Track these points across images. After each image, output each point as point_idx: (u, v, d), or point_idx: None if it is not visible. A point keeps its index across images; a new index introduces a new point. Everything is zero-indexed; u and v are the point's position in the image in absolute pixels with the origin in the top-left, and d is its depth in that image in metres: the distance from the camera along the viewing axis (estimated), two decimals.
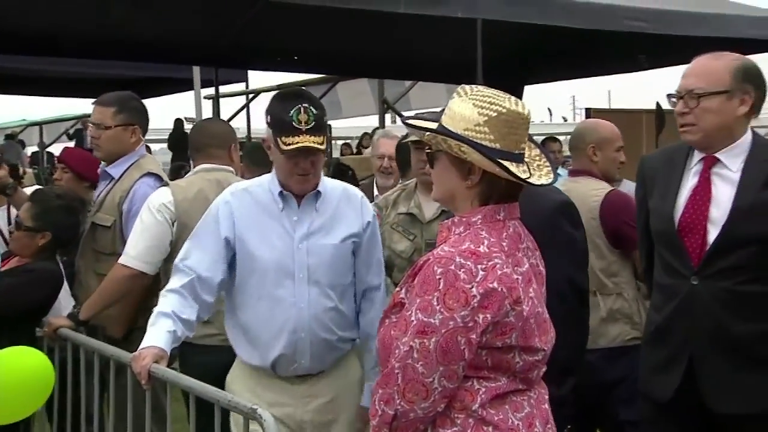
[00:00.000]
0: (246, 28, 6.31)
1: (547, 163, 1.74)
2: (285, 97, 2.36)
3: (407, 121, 1.81)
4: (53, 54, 7.12)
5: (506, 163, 1.62)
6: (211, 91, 8.99)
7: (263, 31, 6.31)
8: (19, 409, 2.61)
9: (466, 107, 1.65)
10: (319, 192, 2.40)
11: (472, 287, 1.57)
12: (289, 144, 2.26)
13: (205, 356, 2.78)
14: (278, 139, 2.27)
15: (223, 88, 8.12)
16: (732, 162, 2.28)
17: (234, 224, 2.36)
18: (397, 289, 1.71)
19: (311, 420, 2.39)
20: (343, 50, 7.04)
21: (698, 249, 2.26)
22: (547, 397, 1.77)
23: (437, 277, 1.58)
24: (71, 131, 14.88)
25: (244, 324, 2.39)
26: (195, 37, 6.72)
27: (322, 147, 2.32)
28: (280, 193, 2.37)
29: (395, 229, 2.88)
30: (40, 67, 8.30)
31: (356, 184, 6.12)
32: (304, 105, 2.28)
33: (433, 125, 1.71)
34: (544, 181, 1.69)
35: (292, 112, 2.27)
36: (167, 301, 2.30)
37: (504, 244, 1.65)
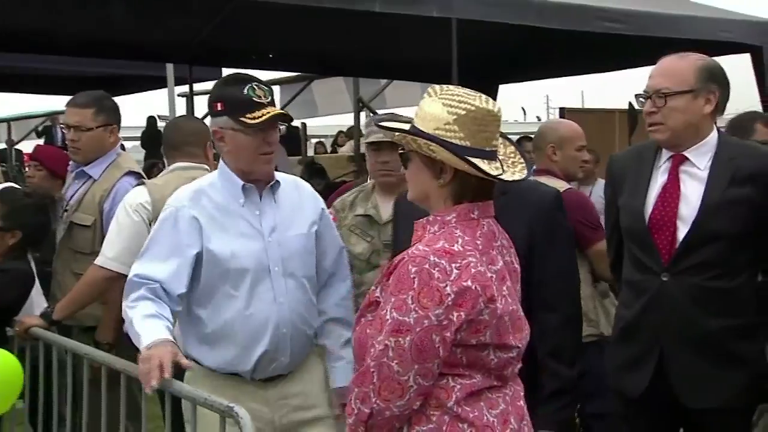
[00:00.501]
0: (220, 26, 6.27)
1: (521, 160, 1.75)
2: (231, 81, 2.30)
3: (379, 123, 1.81)
4: (23, 50, 7.01)
5: (476, 160, 1.64)
6: (184, 89, 8.91)
7: (237, 29, 6.27)
8: None
9: (436, 107, 1.67)
10: (278, 182, 2.35)
11: (447, 286, 1.58)
12: (258, 117, 2.20)
13: None
14: (241, 119, 2.21)
15: (197, 86, 8.03)
16: (699, 160, 2.33)
17: (200, 230, 2.25)
18: (373, 288, 1.72)
19: (288, 422, 2.35)
20: (319, 49, 7.02)
21: (668, 245, 2.30)
22: (522, 393, 1.79)
23: (412, 276, 1.60)
24: (41, 128, 14.65)
25: (216, 331, 2.27)
26: (168, 35, 6.66)
27: (289, 117, 2.30)
28: (243, 187, 2.29)
29: (353, 231, 2.86)
30: (9, 64, 8.16)
31: (329, 185, 6.11)
32: (254, 83, 2.24)
33: (406, 126, 1.72)
34: (518, 177, 1.70)
35: (246, 90, 2.22)
36: (144, 306, 2.14)
37: (478, 242, 1.66)
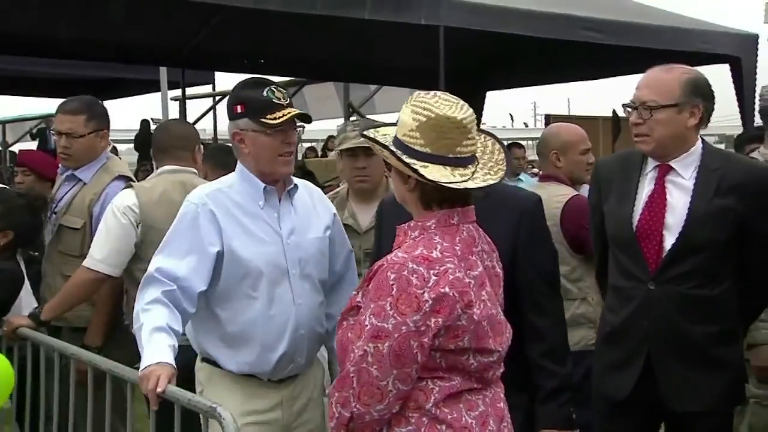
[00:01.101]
0: (213, 32, 6.28)
1: (503, 168, 1.73)
2: (250, 84, 2.29)
3: (364, 132, 1.81)
4: (19, 53, 7.00)
5: (432, 167, 1.63)
6: (177, 92, 8.89)
7: (230, 34, 6.28)
8: None
9: (406, 113, 1.68)
10: (296, 186, 2.35)
11: (424, 292, 1.58)
12: (279, 117, 2.20)
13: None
14: (262, 120, 2.21)
15: (190, 90, 8.04)
16: (685, 170, 2.34)
17: (220, 229, 2.20)
18: (354, 292, 1.73)
19: (297, 422, 2.34)
20: (310, 54, 7.04)
21: (655, 255, 2.31)
22: (503, 395, 1.78)
23: (390, 282, 1.60)
24: (35, 130, 14.57)
25: (236, 332, 2.23)
26: (162, 40, 6.66)
27: (308, 117, 2.31)
28: (264, 189, 2.27)
29: None
30: (3, 66, 8.12)
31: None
32: (273, 86, 2.25)
33: (389, 131, 1.73)
34: (481, 184, 1.67)
35: (265, 92, 2.22)
36: (157, 314, 2.08)
37: (457, 248, 1.66)
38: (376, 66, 7.48)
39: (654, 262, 2.30)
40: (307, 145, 16.44)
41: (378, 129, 1.78)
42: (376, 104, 9.88)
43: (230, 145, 2.42)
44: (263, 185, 2.27)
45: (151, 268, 2.18)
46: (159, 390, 1.92)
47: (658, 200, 2.32)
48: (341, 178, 2.92)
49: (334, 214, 2.48)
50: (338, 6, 4.69)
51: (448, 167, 1.65)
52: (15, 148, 14.79)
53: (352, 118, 6.58)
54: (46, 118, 14.50)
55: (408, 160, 1.65)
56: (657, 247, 2.30)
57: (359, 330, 1.63)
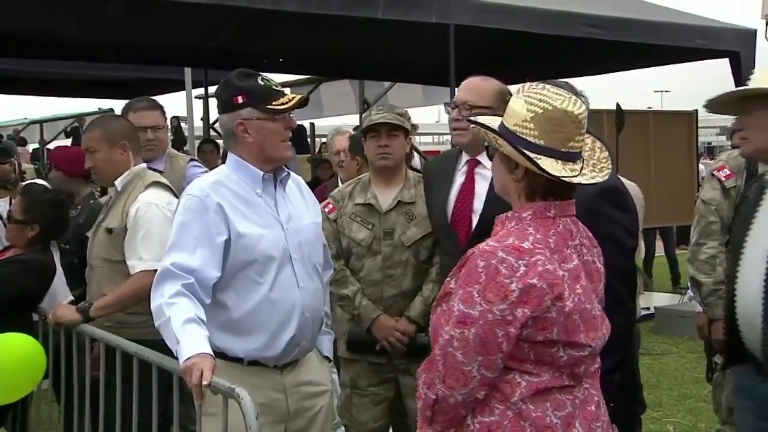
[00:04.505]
0: (234, 33, 6.28)
1: (609, 166, 1.65)
2: (243, 75, 2.22)
3: (473, 119, 1.73)
4: (55, 57, 7.07)
5: (545, 159, 1.56)
6: (201, 91, 8.91)
7: (250, 35, 6.28)
8: (10, 391, 2.57)
9: (519, 104, 1.60)
10: (288, 174, 2.32)
11: (512, 282, 1.52)
12: (285, 103, 2.18)
13: None
14: (268, 107, 2.17)
15: (213, 89, 8.04)
16: (489, 162, 2.40)
17: (227, 218, 2.15)
18: (448, 278, 1.66)
19: (300, 407, 2.29)
20: (326, 53, 7.03)
21: (465, 235, 2.42)
22: (597, 397, 1.67)
23: (479, 270, 1.54)
24: (69, 129, 14.70)
25: (243, 318, 2.17)
26: (186, 42, 6.69)
27: (306, 100, 2.31)
28: (263, 177, 2.23)
29: (354, 219, 2.84)
30: (41, 69, 8.19)
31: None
32: (263, 75, 2.22)
33: (497, 120, 1.66)
34: (591, 180, 1.61)
35: (260, 80, 2.19)
36: (184, 307, 2.01)
37: (550, 240, 1.59)
38: (390, 63, 7.46)
39: (464, 241, 2.41)
40: (323, 140, 16.41)
41: (477, 117, 1.72)
42: (390, 100, 9.82)
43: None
44: (261, 173, 2.22)
45: (166, 263, 2.10)
46: (205, 383, 1.86)
47: (467, 190, 2.46)
48: (369, 156, 2.93)
49: (316, 201, 2.46)
50: (352, 6, 4.68)
51: (559, 161, 1.58)
52: (52, 146, 14.93)
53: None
54: (79, 117, 14.64)
55: (524, 150, 1.57)
56: (467, 229, 2.43)
57: (448, 315, 1.58)
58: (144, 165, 2.87)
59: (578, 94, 2.21)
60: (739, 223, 2.25)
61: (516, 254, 1.54)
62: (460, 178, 2.51)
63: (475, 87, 2.46)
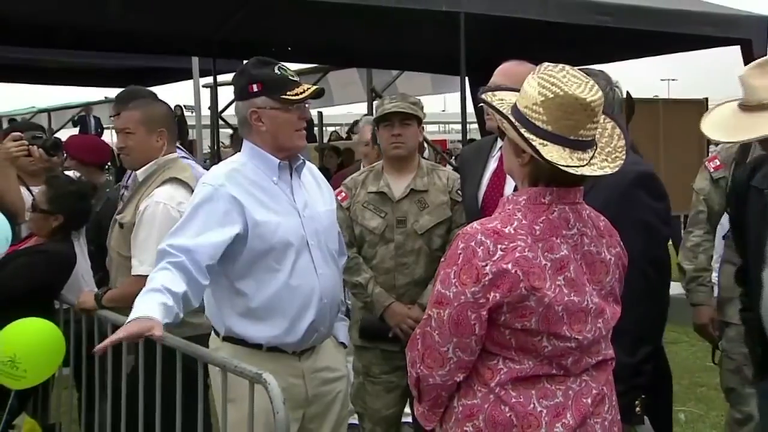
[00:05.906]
0: (241, 22, 6.29)
1: (623, 156, 1.58)
2: (260, 63, 2.25)
3: (481, 95, 1.66)
4: (63, 46, 7.08)
5: (551, 146, 1.50)
6: (208, 80, 8.93)
7: (258, 24, 6.28)
8: (32, 374, 2.63)
9: (532, 85, 1.54)
10: (303, 162, 2.34)
11: (486, 265, 1.51)
12: (300, 93, 2.20)
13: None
14: (282, 97, 2.19)
15: (221, 77, 8.05)
16: None
17: (243, 207, 2.16)
18: (442, 259, 1.68)
19: (318, 393, 2.33)
20: (334, 41, 7.03)
21: None
22: (596, 392, 1.61)
23: (459, 251, 1.54)
24: (76, 118, 14.75)
25: (262, 305, 2.19)
26: (194, 31, 6.70)
27: (322, 91, 2.31)
28: (279, 164, 2.25)
29: (366, 207, 2.87)
30: (48, 58, 8.22)
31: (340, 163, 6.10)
32: (279, 64, 2.23)
33: (506, 96, 1.61)
34: (598, 172, 1.53)
35: (277, 70, 2.20)
36: (157, 279, 2.03)
37: (536, 228, 1.55)
38: (399, 52, 7.44)
39: None
40: (331, 129, 16.43)
41: (495, 93, 1.64)
42: (398, 89, 9.82)
43: None
44: (277, 161, 2.24)
45: (163, 243, 2.13)
46: (120, 336, 1.89)
47: (499, 174, 2.47)
48: (382, 145, 2.96)
49: (330, 188, 2.48)
50: None
51: (567, 149, 1.51)
52: (59, 135, 14.97)
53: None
54: (86, 106, 14.69)
55: (527, 135, 1.51)
56: None
57: (431, 295, 1.60)
58: (174, 155, 2.81)
59: (613, 83, 2.25)
60: (756, 225, 2.09)
61: (494, 238, 1.53)
62: (493, 164, 2.50)
63: (510, 71, 2.41)
